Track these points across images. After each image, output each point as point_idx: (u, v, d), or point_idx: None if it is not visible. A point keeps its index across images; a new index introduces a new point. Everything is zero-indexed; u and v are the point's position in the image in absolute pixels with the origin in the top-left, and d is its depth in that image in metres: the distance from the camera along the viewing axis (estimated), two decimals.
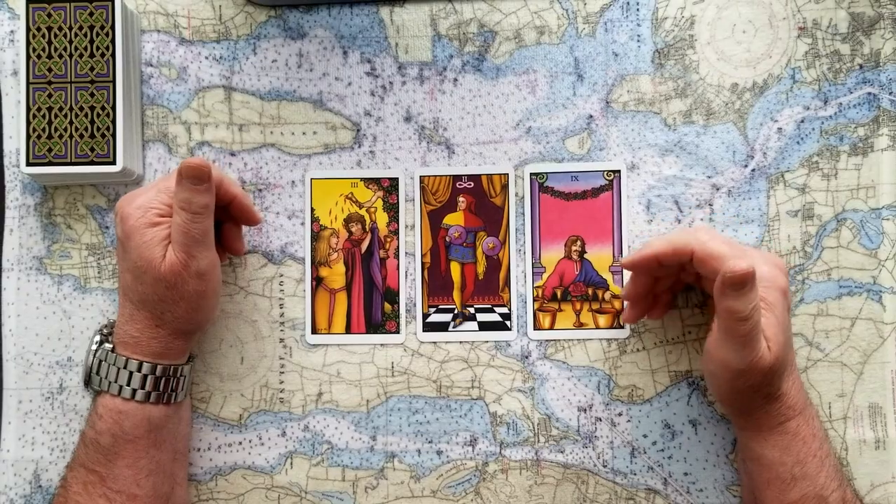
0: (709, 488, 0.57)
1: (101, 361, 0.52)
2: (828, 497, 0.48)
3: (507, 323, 0.58)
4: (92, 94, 0.56)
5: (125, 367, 0.51)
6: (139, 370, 0.51)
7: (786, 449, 0.49)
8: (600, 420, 0.57)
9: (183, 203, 0.49)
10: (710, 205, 0.58)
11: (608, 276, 0.58)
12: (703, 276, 0.51)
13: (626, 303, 0.56)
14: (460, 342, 0.58)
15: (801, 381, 0.51)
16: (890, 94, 0.57)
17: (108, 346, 0.52)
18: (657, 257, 0.51)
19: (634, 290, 0.54)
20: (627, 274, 0.56)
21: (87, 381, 0.52)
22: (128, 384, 0.50)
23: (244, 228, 0.58)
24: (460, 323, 0.58)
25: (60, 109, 0.56)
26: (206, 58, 0.60)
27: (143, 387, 0.51)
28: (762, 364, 0.47)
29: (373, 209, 0.59)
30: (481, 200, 0.59)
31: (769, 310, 0.48)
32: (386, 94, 0.59)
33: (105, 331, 0.54)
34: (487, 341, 0.58)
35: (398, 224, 0.59)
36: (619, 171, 0.58)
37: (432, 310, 0.59)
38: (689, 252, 0.50)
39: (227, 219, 0.56)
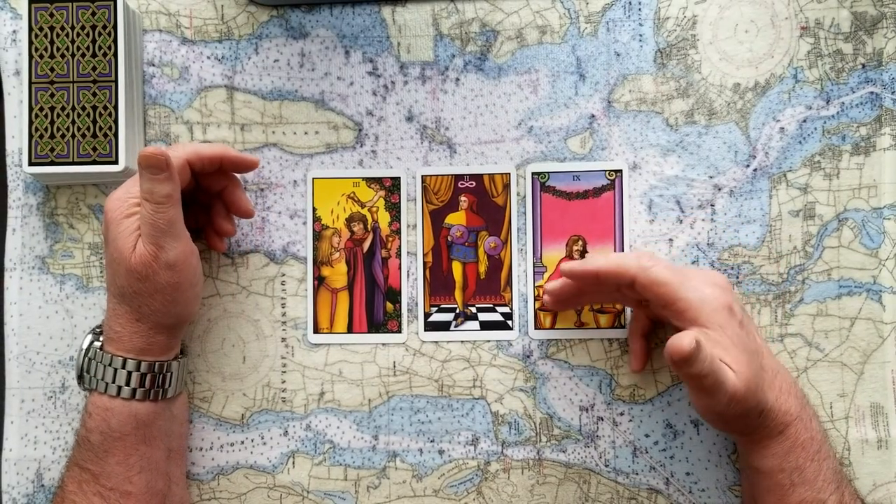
0: (710, 488, 0.57)
1: (90, 359, 0.52)
2: (826, 500, 0.49)
3: (509, 322, 0.58)
4: (94, 94, 0.56)
5: (110, 365, 0.51)
6: (123, 367, 0.50)
7: (785, 456, 0.49)
8: (602, 419, 0.58)
9: (146, 194, 0.49)
10: (712, 205, 0.58)
11: None
12: (647, 301, 0.51)
13: (544, 293, 0.56)
14: (462, 341, 0.58)
15: (790, 383, 0.51)
16: (892, 93, 0.57)
17: (97, 343, 0.52)
18: (598, 274, 0.51)
19: (559, 289, 0.55)
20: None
21: (80, 379, 0.53)
22: (113, 381, 0.50)
23: (246, 227, 0.58)
24: (462, 322, 0.59)
25: (63, 109, 0.56)
26: (208, 57, 0.60)
27: (127, 383, 0.50)
28: (738, 395, 0.46)
29: (374, 209, 0.59)
30: (483, 200, 0.59)
31: (720, 334, 0.47)
32: (388, 94, 0.59)
33: (97, 329, 0.54)
34: (489, 341, 0.58)
35: (400, 223, 0.59)
36: (620, 171, 0.58)
37: (434, 309, 0.59)
38: (630, 277, 0.49)
39: (216, 201, 0.56)
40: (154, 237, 0.49)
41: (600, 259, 0.51)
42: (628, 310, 0.58)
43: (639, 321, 0.56)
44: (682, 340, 0.43)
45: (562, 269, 0.53)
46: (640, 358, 0.56)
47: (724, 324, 0.48)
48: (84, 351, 0.52)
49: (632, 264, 0.50)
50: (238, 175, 0.58)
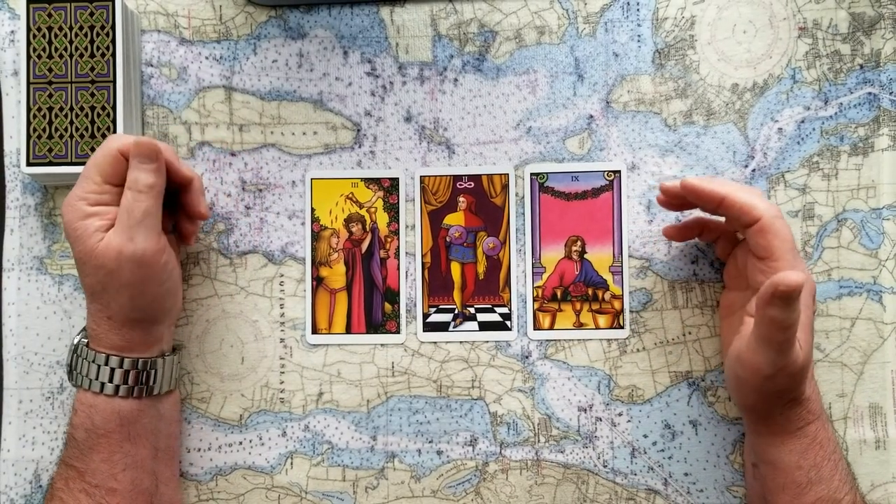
0: (709, 489, 0.57)
1: (77, 356, 0.52)
2: (841, 500, 0.49)
3: (508, 323, 0.58)
4: (92, 94, 0.56)
5: (94, 361, 0.51)
6: (106, 364, 0.51)
7: (803, 453, 0.49)
8: (600, 420, 0.58)
9: (131, 182, 0.50)
10: None
11: (608, 277, 0.58)
12: (746, 239, 0.51)
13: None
14: (460, 342, 0.58)
15: (816, 385, 0.52)
16: (890, 94, 0.57)
17: (84, 341, 0.53)
18: (724, 200, 0.50)
19: (679, 231, 0.56)
20: (627, 274, 0.56)
21: (70, 376, 0.53)
22: (97, 378, 0.51)
23: (245, 228, 0.58)
24: (460, 323, 0.58)
25: (61, 109, 0.56)
26: (207, 58, 0.60)
27: (111, 380, 0.51)
28: (794, 367, 0.47)
29: (373, 209, 0.59)
30: (482, 200, 0.59)
31: (804, 312, 0.48)
32: (386, 94, 0.59)
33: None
34: (488, 341, 0.58)
35: (398, 224, 0.59)
36: (619, 172, 0.58)
37: (432, 310, 0.59)
38: (756, 217, 0.49)
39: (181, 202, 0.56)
40: (127, 226, 0.49)
41: (731, 185, 0.51)
42: (627, 310, 0.58)
43: (720, 233, 0.56)
44: (794, 275, 0.44)
45: (683, 183, 0.52)
46: (678, 230, 0.56)
47: (808, 306, 0.49)
48: (73, 348, 0.53)
49: (762, 206, 0.50)
50: (237, 176, 0.57)
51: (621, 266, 0.58)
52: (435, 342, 0.58)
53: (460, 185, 0.59)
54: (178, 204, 0.55)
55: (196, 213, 0.55)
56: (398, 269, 0.59)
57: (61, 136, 0.56)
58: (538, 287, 0.58)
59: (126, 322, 0.51)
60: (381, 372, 0.58)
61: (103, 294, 0.50)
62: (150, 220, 0.50)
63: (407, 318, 0.59)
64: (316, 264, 0.59)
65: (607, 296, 0.58)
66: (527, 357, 0.58)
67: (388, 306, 0.59)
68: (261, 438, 0.58)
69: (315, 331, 0.59)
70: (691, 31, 0.58)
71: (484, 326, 0.58)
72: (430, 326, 0.59)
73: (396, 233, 0.59)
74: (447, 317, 0.59)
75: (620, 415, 0.57)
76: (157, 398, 0.53)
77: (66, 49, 0.56)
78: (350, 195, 0.59)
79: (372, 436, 0.58)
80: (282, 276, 0.59)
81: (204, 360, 0.59)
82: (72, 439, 0.51)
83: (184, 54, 0.60)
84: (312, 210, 0.59)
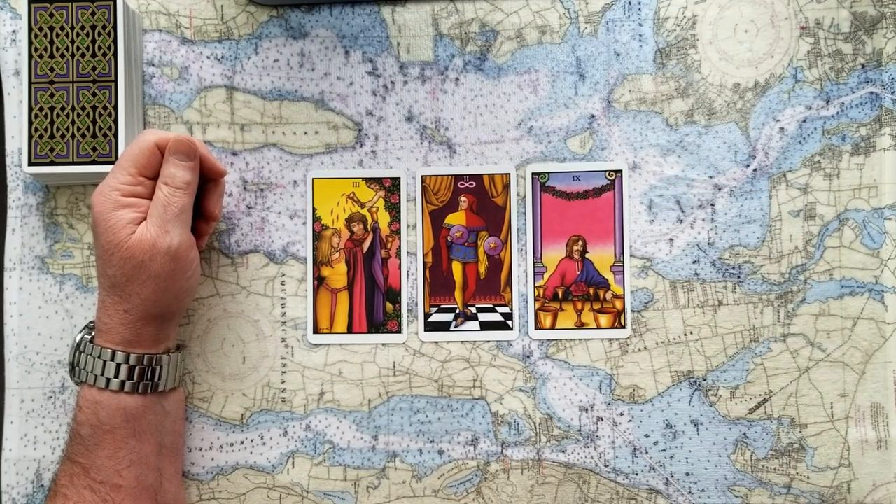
0: (710, 488, 0.57)
1: (81, 352, 0.52)
2: None
3: (509, 322, 0.58)
4: (94, 94, 0.56)
5: (99, 357, 0.51)
6: (112, 359, 0.51)
7: None
8: (602, 420, 0.57)
9: (167, 178, 0.51)
10: (712, 205, 0.58)
11: (609, 276, 0.58)
12: None
13: None
14: (462, 342, 0.58)
15: None
16: (892, 93, 0.57)
17: (87, 337, 0.53)
18: None
19: None
20: (629, 274, 0.56)
21: (72, 373, 0.53)
22: (102, 373, 0.51)
23: (246, 227, 0.58)
24: (462, 322, 0.58)
25: (62, 109, 0.56)
26: (208, 57, 0.60)
27: (116, 376, 0.51)
28: None
29: (374, 209, 0.59)
30: (483, 200, 0.59)
31: None
32: (388, 94, 0.59)
33: (91, 324, 0.54)
34: (489, 341, 0.58)
35: (400, 224, 0.59)
36: (620, 171, 0.58)
37: (434, 309, 0.59)
38: None
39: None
40: (163, 220, 0.50)
41: None
42: (628, 310, 0.58)
43: None
44: None
45: None
46: None
47: None
48: (76, 345, 0.53)
49: None
50: (238, 175, 0.57)
51: (622, 266, 0.58)
52: (436, 342, 0.58)
53: (461, 184, 0.59)
54: (196, 204, 0.56)
55: (210, 212, 0.55)
56: (399, 268, 0.59)
57: (63, 136, 0.56)
58: (539, 287, 0.58)
59: (142, 317, 0.51)
60: (383, 371, 0.58)
61: (126, 286, 0.50)
62: (185, 215, 0.51)
63: (408, 318, 0.59)
64: (317, 264, 0.59)
65: (609, 295, 0.58)
66: (528, 357, 0.58)
67: (389, 306, 0.59)
68: (262, 438, 0.58)
69: (316, 330, 0.59)
70: (693, 30, 0.58)
71: (485, 326, 0.58)
72: (431, 326, 0.59)
73: (398, 232, 0.59)
74: (448, 316, 0.59)
75: (622, 414, 0.57)
76: (161, 395, 0.53)
77: (67, 49, 0.56)
78: (351, 195, 0.59)
79: (373, 435, 0.58)
80: (283, 275, 0.59)
81: (205, 359, 0.59)
82: (76, 435, 0.51)
83: (185, 54, 0.60)
84: (314, 210, 0.59)
